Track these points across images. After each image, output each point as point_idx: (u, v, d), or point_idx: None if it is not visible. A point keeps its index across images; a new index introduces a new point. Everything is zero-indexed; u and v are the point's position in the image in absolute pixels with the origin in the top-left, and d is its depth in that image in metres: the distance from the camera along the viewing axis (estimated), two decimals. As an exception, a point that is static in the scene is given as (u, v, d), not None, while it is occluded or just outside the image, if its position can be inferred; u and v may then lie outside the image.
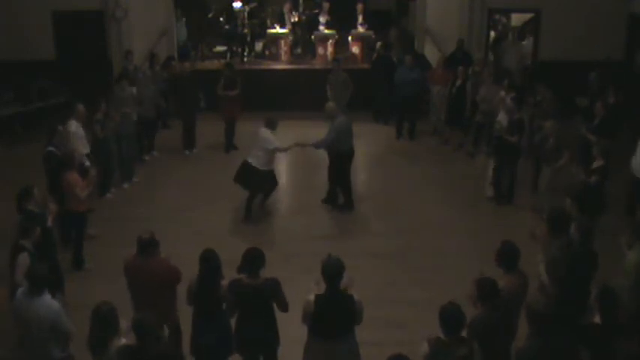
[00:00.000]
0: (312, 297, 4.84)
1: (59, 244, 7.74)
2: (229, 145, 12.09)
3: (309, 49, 15.52)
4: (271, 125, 8.97)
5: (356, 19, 14.89)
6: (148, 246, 5.36)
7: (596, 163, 7.82)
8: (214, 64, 14.85)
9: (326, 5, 14.92)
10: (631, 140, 8.95)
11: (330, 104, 9.44)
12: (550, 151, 8.76)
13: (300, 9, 15.67)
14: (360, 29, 14.84)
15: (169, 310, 5.51)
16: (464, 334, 4.41)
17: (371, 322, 5.88)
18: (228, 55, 15.39)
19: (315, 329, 4.93)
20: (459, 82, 12.07)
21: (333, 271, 4.83)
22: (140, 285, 5.41)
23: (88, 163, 8.39)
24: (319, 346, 4.93)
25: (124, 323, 4.69)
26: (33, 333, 5.06)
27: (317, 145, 9.22)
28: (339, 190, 9.56)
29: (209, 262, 5.23)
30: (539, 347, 4.38)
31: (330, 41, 14.88)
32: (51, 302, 5.06)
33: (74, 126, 8.97)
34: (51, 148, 8.23)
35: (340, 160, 9.31)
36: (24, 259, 5.69)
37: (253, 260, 5.11)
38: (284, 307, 5.21)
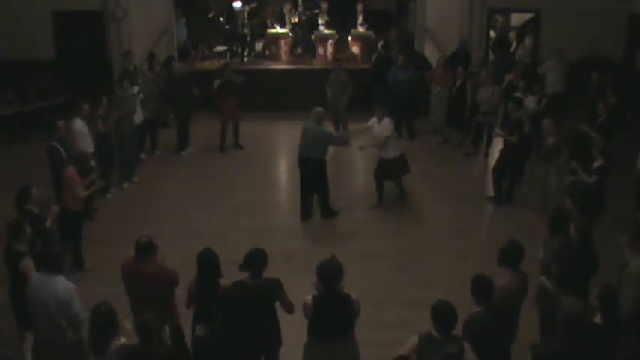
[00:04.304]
0: (309, 298, 4.85)
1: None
2: (224, 147, 12.08)
3: (309, 49, 15.52)
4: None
5: (356, 19, 14.89)
6: (145, 249, 5.33)
7: (597, 164, 7.81)
8: (214, 64, 14.85)
9: (325, 5, 14.94)
10: (630, 140, 8.95)
11: (317, 109, 9.16)
12: (550, 150, 8.75)
13: (300, 9, 15.67)
14: (360, 29, 14.83)
15: (169, 312, 5.48)
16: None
17: (371, 322, 5.88)
18: (228, 55, 15.39)
19: (314, 329, 4.93)
20: (458, 82, 12.09)
21: (328, 271, 4.83)
22: (138, 288, 5.39)
23: (93, 163, 8.37)
24: (319, 347, 4.94)
25: (126, 324, 4.69)
26: (49, 315, 5.06)
27: None
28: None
29: (206, 261, 5.23)
30: (564, 348, 4.38)
31: (330, 41, 14.88)
32: (67, 282, 5.15)
33: (79, 125, 8.97)
34: (54, 144, 8.30)
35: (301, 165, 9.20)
36: (28, 264, 5.61)
37: (256, 261, 5.10)
38: (289, 308, 5.21)
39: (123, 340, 4.57)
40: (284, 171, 11.62)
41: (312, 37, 15.15)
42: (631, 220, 7.88)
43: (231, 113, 11.90)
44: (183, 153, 11.98)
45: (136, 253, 5.37)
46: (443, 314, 4.38)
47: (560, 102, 12.27)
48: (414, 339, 4.43)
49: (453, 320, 4.38)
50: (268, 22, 15.69)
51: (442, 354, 4.24)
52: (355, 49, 14.88)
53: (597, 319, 4.74)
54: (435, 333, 4.40)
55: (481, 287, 4.76)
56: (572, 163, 8.13)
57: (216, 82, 11.73)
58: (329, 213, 9.35)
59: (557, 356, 4.39)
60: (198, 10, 16.23)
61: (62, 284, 5.11)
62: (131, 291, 5.48)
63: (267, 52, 15.56)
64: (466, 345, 4.38)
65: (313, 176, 9.08)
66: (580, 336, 4.38)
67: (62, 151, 8.33)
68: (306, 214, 9.28)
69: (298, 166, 9.20)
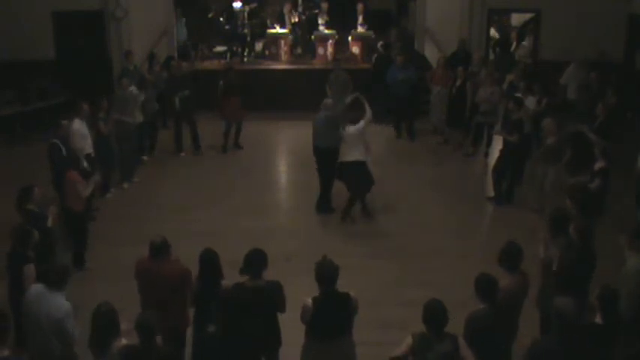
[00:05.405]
0: (309, 301, 4.85)
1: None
2: (227, 147, 12.09)
3: (309, 49, 15.53)
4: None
5: (356, 19, 14.90)
6: (159, 249, 5.33)
7: (598, 165, 7.80)
8: (214, 64, 14.85)
9: (324, 5, 14.95)
10: (630, 140, 8.95)
11: (327, 100, 9.43)
12: (550, 150, 8.75)
13: (300, 9, 15.68)
14: (360, 29, 14.84)
15: (181, 313, 5.46)
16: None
17: (371, 323, 5.88)
18: (228, 55, 15.40)
19: (313, 330, 4.94)
20: (458, 82, 12.09)
21: (326, 272, 4.84)
22: (152, 288, 5.36)
23: (86, 164, 8.36)
24: (317, 347, 4.94)
25: (125, 324, 4.68)
26: (40, 330, 5.00)
27: None
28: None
29: (207, 262, 5.23)
30: (559, 346, 4.38)
31: (330, 41, 14.89)
32: (63, 302, 5.04)
33: (78, 124, 8.97)
34: (55, 140, 8.33)
35: (314, 154, 9.41)
36: (30, 270, 5.58)
37: (256, 262, 5.10)
38: (281, 309, 5.21)
39: (124, 340, 4.56)
40: (284, 171, 11.63)
41: (312, 37, 15.16)
42: (631, 220, 7.88)
43: (235, 114, 11.91)
44: (182, 154, 11.97)
45: (151, 253, 5.35)
46: (433, 315, 4.39)
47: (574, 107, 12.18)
48: (408, 340, 4.45)
49: (444, 320, 4.38)
50: (268, 22, 15.69)
51: (437, 352, 4.26)
52: (355, 49, 14.89)
53: (597, 319, 4.74)
54: (427, 332, 4.41)
55: (485, 285, 4.76)
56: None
57: (221, 84, 11.76)
58: (325, 208, 9.39)
59: (548, 355, 4.39)
60: (198, 10, 16.24)
61: (58, 303, 4.99)
62: (144, 291, 5.46)
63: (267, 52, 15.57)
64: (461, 341, 4.38)
65: (323, 165, 9.23)
66: (572, 335, 4.37)
67: (63, 148, 8.34)
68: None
69: (316, 157, 9.34)
